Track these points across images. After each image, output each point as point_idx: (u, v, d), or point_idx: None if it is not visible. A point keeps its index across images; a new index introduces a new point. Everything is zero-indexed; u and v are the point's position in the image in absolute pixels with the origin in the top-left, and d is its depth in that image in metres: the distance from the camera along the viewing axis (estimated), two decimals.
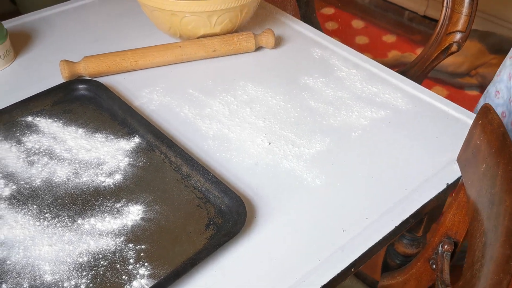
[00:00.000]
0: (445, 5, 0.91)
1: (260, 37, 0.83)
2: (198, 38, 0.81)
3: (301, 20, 1.09)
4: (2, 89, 0.74)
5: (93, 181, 0.59)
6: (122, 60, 0.76)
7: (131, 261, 0.50)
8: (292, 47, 0.86)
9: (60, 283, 0.48)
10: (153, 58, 0.78)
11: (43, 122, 0.67)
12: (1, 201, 0.56)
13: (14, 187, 0.58)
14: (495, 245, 0.44)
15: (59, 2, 0.95)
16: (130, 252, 0.51)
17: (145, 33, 0.87)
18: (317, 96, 0.75)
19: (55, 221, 0.54)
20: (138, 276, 0.49)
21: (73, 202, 0.56)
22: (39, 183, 0.58)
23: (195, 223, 0.54)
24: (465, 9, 0.88)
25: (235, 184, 0.60)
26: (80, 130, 0.66)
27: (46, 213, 0.55)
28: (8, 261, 0.50)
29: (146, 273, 0.49)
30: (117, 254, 0.51)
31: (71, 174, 0.59)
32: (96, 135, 0.65)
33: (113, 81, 0.76)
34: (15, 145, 0.63)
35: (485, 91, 0.97)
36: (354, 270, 0.54)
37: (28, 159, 0.61)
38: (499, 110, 0.91)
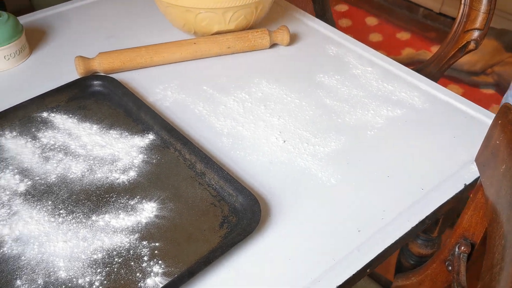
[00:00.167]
0: (463, 2, 0.90)
1: (275, 34, 0.82)
2: (212, 34, 0.80)
3: (316, 17, 1.08)
4: (18, 85, 0.75)
5: (108, 177, 0.59)
6: (136, 56, 0.76)
7: (145, 258, 0.50)
8: (307, 44, 0.85)
9: (74, 279, 0.48)
10: (168, 55, 0.77)
11: (58, 118, 0.67)
12: (16, 196, 0.56)
13: (29, 183, 0.58)
14: None
15: None
16: (144, 250, 0.51)
17: (159, 29, 0.87)
18: (332, 94, 0.74)
19: (70, 217, 0.54)
20: (152, 273, 0.49)
21: (88, 199, 0.56)
22: (54, 179, 0.58)
23: (209, 221, 0.54)
24: (483, 7, 0.87)
25: (249, 182, 0.60)
26: (95, 127, 0.66)
27: (61, 209, 0.55)
28: (23, 257, 0.50)
29: (160, 271, 0.49)
30: (131, 252, 0.51)
31: (85, 170, 0.59)
32: (111, 131, 0.65)
33: (127, 78, 0.76)
34: (30, 140, 0.63)
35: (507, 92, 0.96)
36: (370, 270, 0.53)
37: (43, 155, 0.61)
38: None
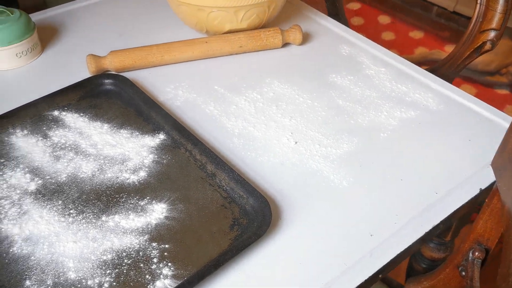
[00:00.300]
0: (479, 2, 0.88)
1: (288, 33, 0.81)
2: (224, 33, 0.80)
3: (328, 15, 1.07)
4: (29, 82, 0.75)
5: (118, 177, 0.58)
6: (147, 55, 0.75)
7: (155, 260, 0.50)
8: (320, 44, 0.84)
9: (83, 280, 0.48)
10: (179, 54, 0.77)
11: (69, 117, 0.67)
12: (27, 195, 0.56)
13: (40, 182, 0.58)
14: None
15: None
16: (153, 251, 0.50)
17: (171, 27, 0.86)
18: (345, 94, 0.73)
19: (80, 217, 0.54)
20: (161, 276, 0.48)
21: (98, 199, 0.56)
22: (64, 179, 0.58)
23: (219, 223, 0.54)
24: (500, 7, 0.85)
25: (260, 184, 0.59)
26: (106, 126, 0.65)
27: (71, 209, 0.55)
28: (32, 257, 0.50)
29: (169, 273, 0.48)
30: (140, 253, 0.50)
31: (96, 170, 0.59)
32: (121, 130, 0.65)
33: (138, 76, 0.75)
34: (41, 139, 0.63)
35: None
36: (382, 276, 0.52)
37: (54, 153, 0.61)
38: None
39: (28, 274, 0.48)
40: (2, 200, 0.55)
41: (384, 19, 2.21)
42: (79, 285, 0.47)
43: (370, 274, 0.50)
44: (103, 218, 0.54)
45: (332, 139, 0.65)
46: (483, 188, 0.60)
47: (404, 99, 0.73)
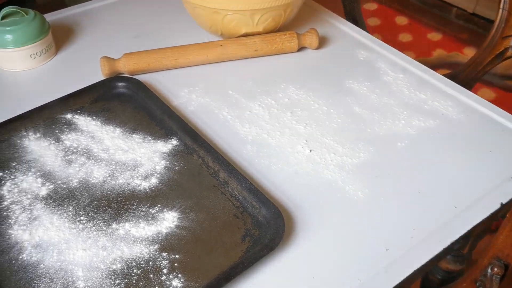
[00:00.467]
0: (501, 7, 0.86)
1: (304, 37, 0.80)
2: (239, 36, 0.78)
3: (345, 16, 1.06)
4: (43, 84, 0.74)
5: (129, 184, 0.58)
6: (162, 58, 0.75)
7: (165, 271, 0.49)
8: (337, 48, 0.82)
9: None
10: (193, 57, 0.76)
11: (82, 120, 0.66)
12: (38, 201, 0.55)
13: (51, 186, 0.57)
14: None
15: None
16: (163, 262, 0.49)
17: (186, 30, 0.85)
18: (361, 101, 0.71)
19: (90, 224, 0.53)
20: (171, 287, 0.47)
21: (109, 205, 0.55)
22: (76, 184, 0.57)
23: (231, 234, 0.53)
24: None
25: (274, 193, 0.58)
26: (118, 130, 0.65)
27: (81, 216, 0.54)
28: (41, 265, 0.49)
29: (179, 285, 0.48)
30: (150, 263, 0.49)
31: (107, 175, 0.58)
32: (134, 135, 0.64)
33: (152, 79, 0.74)
34: (53, 143, 0.63)
35: None
36: None
37: (66, 158, 0.61)
38: None
39: (37, 283, 0.47)
40: (13, 205, 0.55)
41: (401, 20, 2.18)
42: None
43: None
44: (114, 225, 0.53)
45: (347, 147, 0.64)
46: (504, 202, 0.57)
47: (423, 107, 0.71)
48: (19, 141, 0.63)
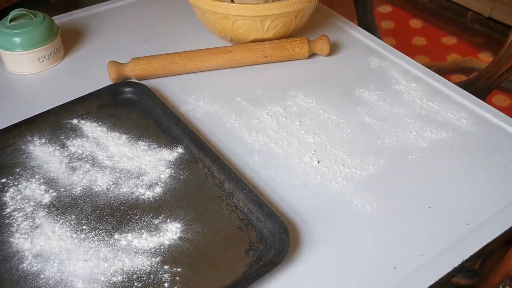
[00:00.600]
0: None
1: (314, 43, 0.78)
2: (249, 42, 0.77)
3: (358, 25, 1.04)
4: (51, 87, 0.74)
5: (133, 192, 0.57)
6: (170, 63, 0.74)
7: (166, 285, 0.48)
8: (348, 55, 0.81)
9: None
10: (202, 62, 0.75)
11: (87, 126, 0.65)
12: (40, 208, 0.55)
13: (54, 194, 0.56)
14: None
15: None
16: (165, 275, 0.48)
17: (195, 34, 0.84)
18: (372, 111, 0.70)
19: (92, 234, 0.52)
20: None
21: (112, 215, 0.54)
22: (79, 192, 0.57)
23: (234, 247, 0.51)
24: None
25: (279, 205, 0.56)
26: (124, 136, 0.64)
27: (83, 225, 0.53)
28: (42, 275, 0.48)
29: None
30: (151, 276, 0.48)
31: (111, 183, 0.58)
32: (139, 142, 0.63)
33: (160, 85, 0.74)
34: (58, 148, 0.62)
35: None
36: None
37: (70, 164, 0.60)
38: None
39: None
40: (16, 212, 0.54)
41: (415, 23, 2.15)
42: None
43: None
44: (116, 236, 0.52)
45: (357, 159, 0.62)
46: None
47: (436, 118, 0.69)
48: (24, 146, 0.62)
